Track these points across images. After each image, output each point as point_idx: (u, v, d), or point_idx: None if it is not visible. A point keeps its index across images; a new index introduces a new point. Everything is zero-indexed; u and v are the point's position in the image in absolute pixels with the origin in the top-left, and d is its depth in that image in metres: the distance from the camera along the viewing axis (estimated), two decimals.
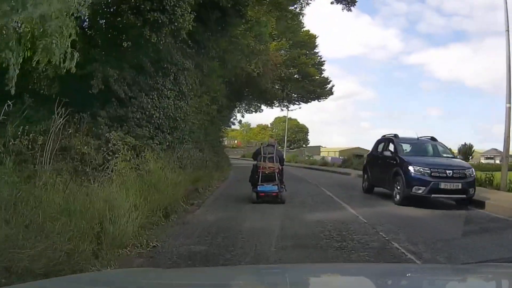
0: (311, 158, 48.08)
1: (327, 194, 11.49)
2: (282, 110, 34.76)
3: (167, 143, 9.54)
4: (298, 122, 74.96)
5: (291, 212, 7.97)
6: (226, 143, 71.05)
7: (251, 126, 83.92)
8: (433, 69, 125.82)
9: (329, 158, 52.43)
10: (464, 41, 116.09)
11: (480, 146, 68.14)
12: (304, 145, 74.46)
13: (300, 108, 31.14)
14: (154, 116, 9.35)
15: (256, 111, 37.62)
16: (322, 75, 29.35)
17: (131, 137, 8.44)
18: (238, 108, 33.13)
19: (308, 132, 78.62)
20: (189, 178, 9.37)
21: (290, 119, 62.14)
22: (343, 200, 10.00)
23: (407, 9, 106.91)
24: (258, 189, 8.93)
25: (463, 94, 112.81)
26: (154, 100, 9.75)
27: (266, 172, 9.00)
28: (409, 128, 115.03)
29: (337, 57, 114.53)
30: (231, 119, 41.96)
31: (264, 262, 4.48)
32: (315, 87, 28.03)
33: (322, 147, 75.58)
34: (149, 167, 7.78)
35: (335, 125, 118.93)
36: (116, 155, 7.89)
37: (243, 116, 37.21)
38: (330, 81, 29.56)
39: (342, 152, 69.38)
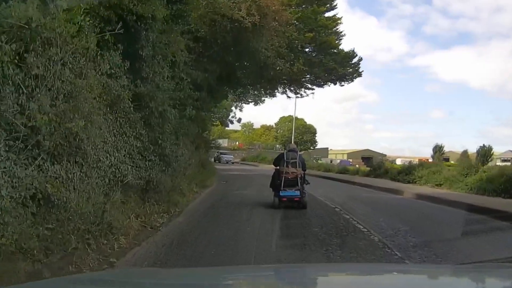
0: (319, 161, 41.05)
1: None
2: (289, 97, 26.02)
3: None
4: (305, 122, 67.82)
5: None
6: (227, 145, 64.50)
7: (254, 127, 77.40)
8: (437, 71, 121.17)
9: (338, 160, 46.44)
10: (470, 43, 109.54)
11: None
12: (311, 147, 67.45)
13: (313, 93, 22.76)
14: None
15: (256, 103, 29.16)
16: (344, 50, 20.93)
17: None
18: (231, 94, 24.43)
19: (316, 133, 72.13)
20: None
21: (296, 118, 54.38)
22: None
23: (413, 11, 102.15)
24: (281, 194, 8.93)
25: (468, 96, 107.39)
26: None
27: (289, 177, 8.97)
28: (413, 131, 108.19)
29: None
30: (230, 117, 33.99)
31: None
32: (336, 64, 19.51)
33: (329, 149, 68.94)
34: None
35: (339, 127, 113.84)
36: None
37: (241, 110, 28.94)
38: (356, 54, 20.92)
39: (350, 154, 63.70)
